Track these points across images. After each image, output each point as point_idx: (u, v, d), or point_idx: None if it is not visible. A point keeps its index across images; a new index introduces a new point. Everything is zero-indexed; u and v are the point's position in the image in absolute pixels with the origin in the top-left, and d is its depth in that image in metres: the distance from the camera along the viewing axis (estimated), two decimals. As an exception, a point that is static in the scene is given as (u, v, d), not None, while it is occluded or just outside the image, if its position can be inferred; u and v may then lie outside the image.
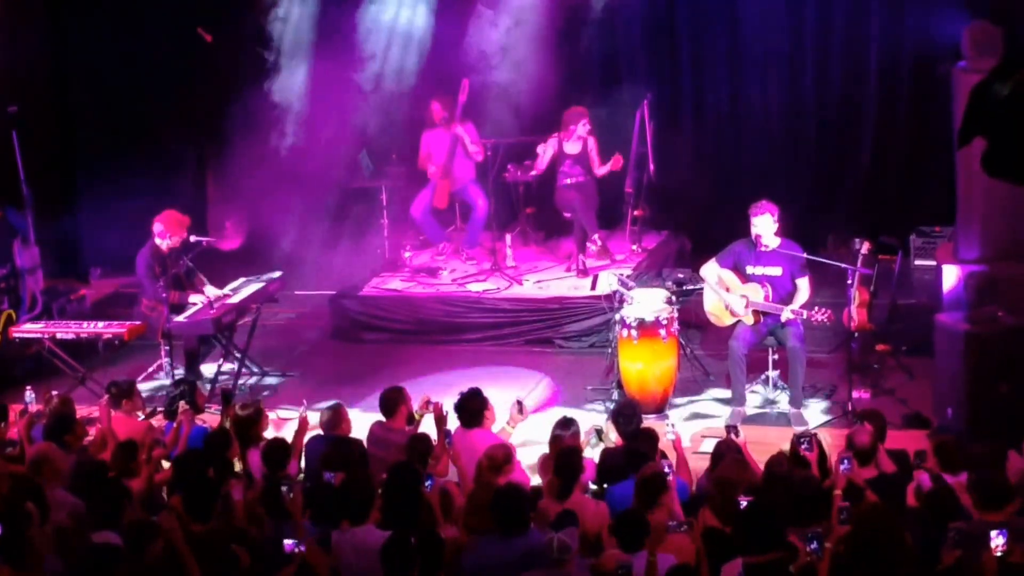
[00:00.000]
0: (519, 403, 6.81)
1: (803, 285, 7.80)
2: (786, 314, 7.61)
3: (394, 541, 4.92)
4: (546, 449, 6.36)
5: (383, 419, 6.76)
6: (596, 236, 9.94)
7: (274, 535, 5.41)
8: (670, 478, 5.67)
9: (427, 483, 5.72)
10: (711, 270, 7.98)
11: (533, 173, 10.19)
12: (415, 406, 6.82)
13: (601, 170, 9.88)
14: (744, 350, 7.78)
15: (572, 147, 9.94)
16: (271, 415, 7.19)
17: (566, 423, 6.38)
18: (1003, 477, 5.51)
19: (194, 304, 8.41)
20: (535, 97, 10.10)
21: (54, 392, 7.23)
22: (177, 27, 10.71)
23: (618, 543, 5.01)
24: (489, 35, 10.28)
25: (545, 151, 9.98)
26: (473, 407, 6.60)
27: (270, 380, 8.92)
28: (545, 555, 4.94)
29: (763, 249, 7.81)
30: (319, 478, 5.97)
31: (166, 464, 6.48)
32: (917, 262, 9.84)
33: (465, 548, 5.32)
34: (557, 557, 4.88)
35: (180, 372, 8.36)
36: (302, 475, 6.52)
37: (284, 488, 5.51)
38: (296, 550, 5.01)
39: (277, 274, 9.08)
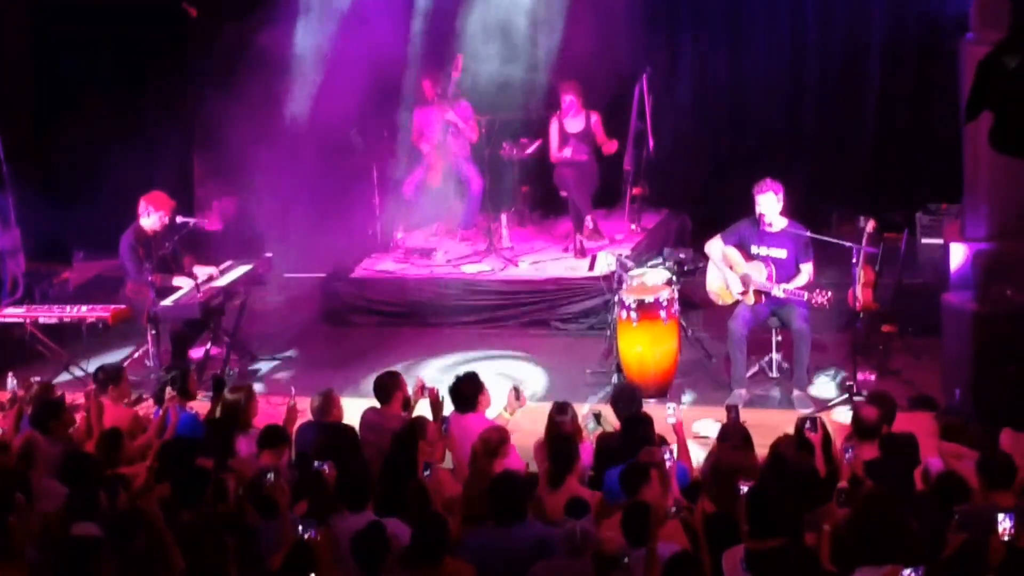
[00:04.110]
0: (516, 389, 6.67)
1: (806, 269, 7.74)
2: (777, 290, 7.49)
3: (366, 532, 4.81)
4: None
5: (377, 405, 6.62)
6: (589, 217, 9.78)
7: (261, 524, 5.28)
8: (670, 464, 5.58)
9: (426, 472, 5.60)
10: (715, 247, 7.88)
11: (567, 151, 9.91)
12: (410, 391, 6.68)
13: (607, 147, 9.72)
14: (744, 331, 7.70)
15: (574, 124, 9.84)
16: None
17: (562, 408, 6.26)
18: (1005, 455, 5.42)
19: (179, 287, 8.24)
20: (531, 72, 9.90)
21: (35, 378, 7.07)
22: (161, 2, 10.48)
23: (625, 537, 4.87)
24: (484, 10, 10.08)
25: (552, 136, 9.86)
26: (468, 391, 6.47)
27: (260, 365, 8.78)
28: (559, 545, 4.84)
29: (767, 228, 7.70)
30: (310, 466, 5.81)
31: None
32: (923, 240, 9.74)
33: (461, 539, 5.19)
34: (580, 547, 4.77)
35: (167, 357, 8.21)
36: (292, 463, 6.36)
37: (268, 476, 5.35)
38: (307, 535, 4.87)
39: (266, 256, 8.93)
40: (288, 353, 8.92)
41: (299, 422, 6.60)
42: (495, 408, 6.64)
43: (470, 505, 5.38)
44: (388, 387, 6.60)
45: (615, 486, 5.57)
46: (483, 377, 6.61)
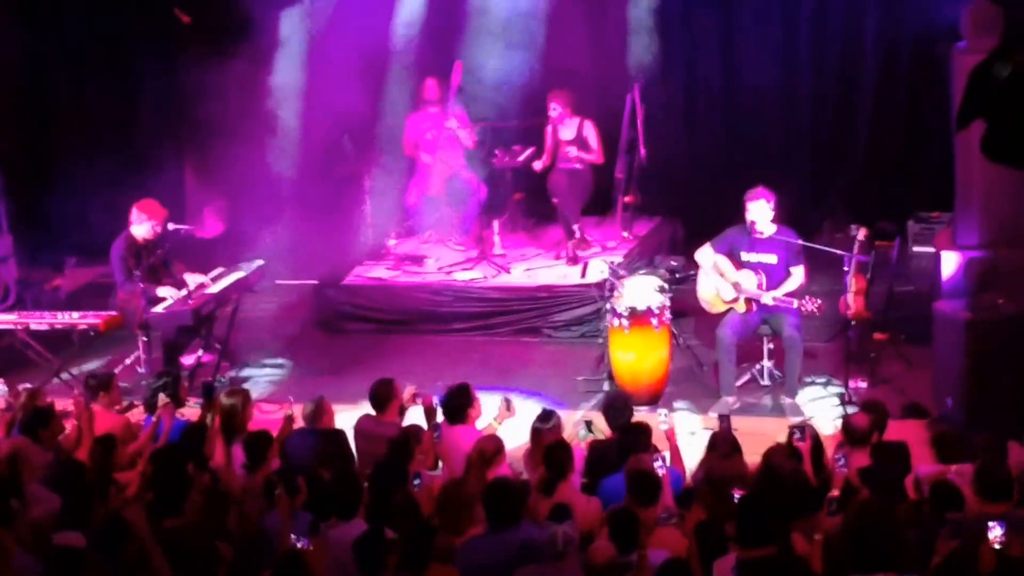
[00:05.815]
0: (507, 400, 6.64)
1: (797, 273, 7.73)
2: (766, 298, 7.47)
3: (368, 536, 4.79)
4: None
5: (372, 412, 6.59)
6: (576, 227, 9.77)
7: (259, 532, 5.28)
8: (663, 472, 5.55)
9: (415, 481, 5.57)
10: (706, 254, 7.86)
11: (538, 164, 9.96)
12: (403, 399, 6.66)
13: (588, 156, 9.72)
14: (733, 338, 7.69)
15: (567, 132, 9.84)
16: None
17: (545, 416, 6.24)
18: (1007, 469, 5.38)
19: (163, 298, 8.19)
20: (524, 80, 9.90)
21: (24, 386, 7.04)
22: (154, 8, 10.47)
23: (614, 544, 4.86)
24: (480, 18, 10.08)
25: (547, 143, 9.89)
26: (459, 403, 6.44)
27: (251, 372, 8.72)
28: (543, 549, 4.82)
29: (758, 236, 7.69)
30: (300, 472, 5.77)
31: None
32: (915, 248, 9.72)
33: (457, 547, 5.16)
34: (561, 551, 4.75)
35: (159, 364, 8.17)
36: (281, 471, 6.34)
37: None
38: (299, 545, 4.85)
39: (258, 263, 8.89)
40: (279, 360, 8.88)
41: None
42: (485, 418, 6.62)
43: (445, 513, 5.29)
44: (383, 394, 6.56)
45: (611, 495, 5.56)
46: (475, 385, 6.59)
